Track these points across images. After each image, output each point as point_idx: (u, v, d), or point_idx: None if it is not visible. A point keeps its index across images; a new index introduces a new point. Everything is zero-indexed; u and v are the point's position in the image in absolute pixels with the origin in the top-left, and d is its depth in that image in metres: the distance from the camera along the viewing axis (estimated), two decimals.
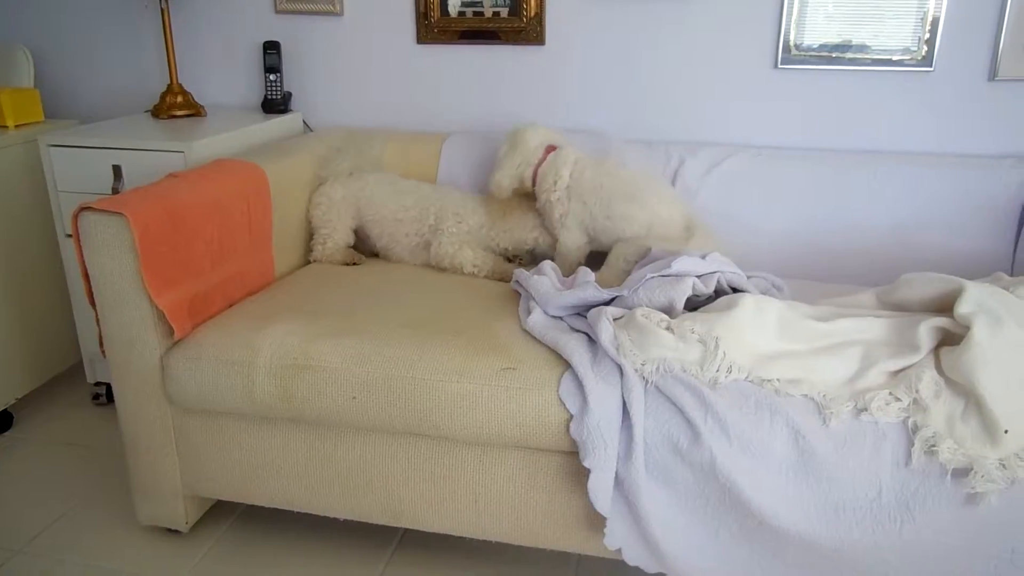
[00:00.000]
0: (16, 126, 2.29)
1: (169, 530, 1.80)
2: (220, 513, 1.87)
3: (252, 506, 1.84)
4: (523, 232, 2.03)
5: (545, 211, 1.98)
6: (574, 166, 1.95)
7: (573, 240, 1.95)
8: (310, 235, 2.10)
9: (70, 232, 1.58)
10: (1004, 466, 1.27)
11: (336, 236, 2.06)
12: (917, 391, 1.33)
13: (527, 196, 2.04)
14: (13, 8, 2.60)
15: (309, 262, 2.09)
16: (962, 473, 1.28)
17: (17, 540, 1.80)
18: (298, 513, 1.71)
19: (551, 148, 1.99)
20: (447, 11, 2.29)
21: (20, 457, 2.13)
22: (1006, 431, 1.27)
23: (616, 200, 1.89)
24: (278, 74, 2.40)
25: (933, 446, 1.29)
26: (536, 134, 2.01)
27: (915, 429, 1.31)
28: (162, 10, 2.31)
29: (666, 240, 1.82)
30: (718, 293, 1.60)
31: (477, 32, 2.29)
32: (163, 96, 2.36)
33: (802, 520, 1.33)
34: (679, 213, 1.90)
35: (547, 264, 1.80)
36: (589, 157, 1.99)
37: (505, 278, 1.92)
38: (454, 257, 1.97)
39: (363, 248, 2.13)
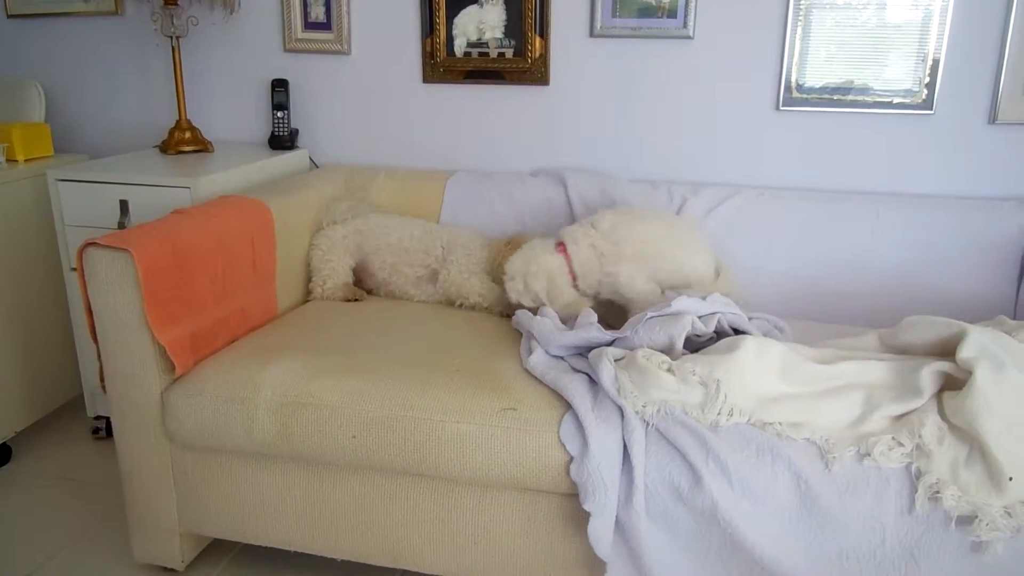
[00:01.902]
0: (26, 160, 2.31)
1: (165, 568, 1.78)
2: (217, 552, 1.85)
3: (249, 545, 1.82)
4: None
5: (604, 282, 1.85)
6: (605, 230, 1.85)
7: (649, 288, 1.82)
8: (310, 275, 2.11)
9: (75, 266, 1.58)
10: (1009, 514, 1.26)
11: (336, 276, 2.06)
12: (920, 436, 1.32)
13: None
14: (26, 44, 2.65)
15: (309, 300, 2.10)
16: (967, 521, 1.26)
17: None
18: (295, 553, 1.69)
19: (559, 243, 1.87)
20: (453, 51, 2.32)
21: (18, 491, 2.11)
22: (1011, 478, 1.26)
23: (664, 250, 1.85)
24: (286, 111, 2.43)
25: (937, 492, 1.28)
26: (543, 247, 1.87)
27: (918, 475, 1.30)
28: (172, 48, 2.35)
29: (700, 286, 1.80)
30: (720, 335, 1.59)
31: (482, 72, 2.32)
32: (171, 132, 2.39)
33: (805, 566, 1.32)
34: (712, 260, 1.90)
35: (548, 309, 1.78)
36: (606, 216, 1.90)
37: (507, 312, 1.91)
38: (462, 286, 1.97)
39: (362, 287, 2.14)
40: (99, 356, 1.64)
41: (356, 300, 2.06)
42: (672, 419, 1.40)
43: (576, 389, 1.47)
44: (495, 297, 1.96)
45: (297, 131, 2.49)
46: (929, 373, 1.39)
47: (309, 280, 2.10)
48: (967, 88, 2.03)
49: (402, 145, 2.45)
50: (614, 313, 1.88)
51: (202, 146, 2.40)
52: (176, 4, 2.31)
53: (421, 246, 2.06)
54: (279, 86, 2.42)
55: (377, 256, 2.08)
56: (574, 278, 1.85)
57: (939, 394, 1.41)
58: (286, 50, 2.45)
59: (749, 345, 1.47)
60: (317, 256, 2.08)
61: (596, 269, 1.84)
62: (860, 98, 2.09)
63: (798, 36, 2.09)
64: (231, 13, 2.43)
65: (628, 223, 1.88)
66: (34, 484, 2.14)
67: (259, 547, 1.76)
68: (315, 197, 2.15)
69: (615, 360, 1.52)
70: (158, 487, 1.67)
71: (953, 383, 1.40)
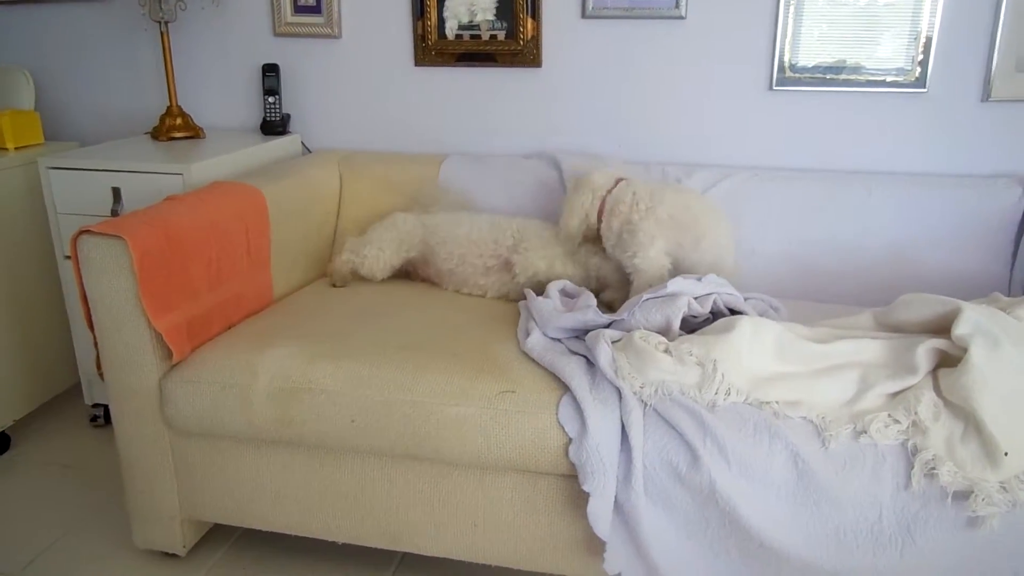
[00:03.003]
0: (16, 148, 2.29)
1: (166, 554, 1.79)
2: (218, 537, 1.86)
3: (250, 530, 1.83)
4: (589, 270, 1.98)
5: (623, 234, 1.83)
6: (654, 188, 1.86)
7: (660, 262, 1.79)
8: (322, 254, 2.10)
9: (69, 254, 1.58)
10: (1005, 489, 1.27)
11: (384, 256, 2.03)
12: (916, 413, 1.34)
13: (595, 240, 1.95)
14: (14, 31, 2.62)
15: (327, 276, 2.11)
16: (963, 496, 1.28)
17: (13, 565, 1.79)
18: (296, 537, 1.70)
19: (620, 180, 1.90)
20: (444, 34, 2.31)
21: (17, 479, 2.12)
22: (1006, 453, 1.28)
23: (702, 223, 1.82)
24: (277, 96, 2.41)
25: (933, 469, 1.29)
26: (602, 172, 1.92)
27: (915, 451, 1.31)
28: (162, 33, 2.33)
29: (722, 268, 1.79)
30: (716, 315, 1.60)
31: (474, 55, 2.30)
32: (162, 118, 2.37)
33: (802, 544, 1.33)
34: (734, 242, 1.90)
35: (553, 286, 1.79)
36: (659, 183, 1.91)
37: (599, 288, 1.91)
38: (538, 264, 1.92)
39: (418, 275, 2.11)
40: (96, 344, 1.63)
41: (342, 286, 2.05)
42: (670, 399, 1.41)
43: (574, 371, 1.47)
44: (580, 276, 1.92)
45: (289, 116, 2.47)
46: (924, 350, 1.40)
47: (305, 264, 2.09)
48: (960, 66, 2.03)
49: (394, 129, 2.44)
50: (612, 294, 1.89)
51: (193, 132, 2.39)
52: None
53: (491, 236, 2.01)
54: (270, 71, 2.40)
55: (443, 248, 2.03)
56: (601, 213, 1.87)
57: (935, 371, 1.42)
58: (276, 34, 2.43)
59: (745, 325, 1.48)
60: (380, 229, 2.06)
61: (623, 216, 1.82)
62: (853, 77, 2.09)
63: (791, 16, 2.08)
64: None
65: (670, 190, 1.87)
66: (33, 472, 2.14)
67: (260, 531, 1.77)
68: (308, 182, 2.14)
69: (612, 342, 1.53)
70: (158, 474, 1.68)
71: (948, 360, 1.41)
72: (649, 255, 1.78)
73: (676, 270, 1.81)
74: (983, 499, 1.25)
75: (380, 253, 2.02)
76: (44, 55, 2.62)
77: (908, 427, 1.33)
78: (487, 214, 2.11)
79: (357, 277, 2.06)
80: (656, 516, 1.38)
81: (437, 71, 2.36)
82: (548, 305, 1.65)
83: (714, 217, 1.87)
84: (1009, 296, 1.63)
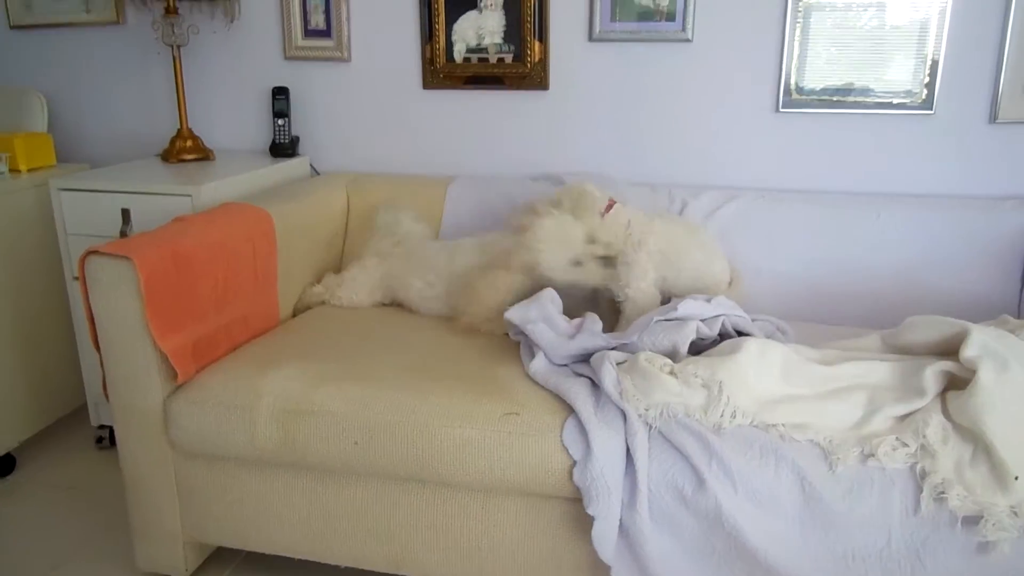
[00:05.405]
0: (28, 170, 2.32)
1: None
2: (220, 560, 1.85)
3: (252, 553, 1.82)
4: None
5: (618, 264, 1.83)
6: (643, 219, 1.86)
7: (651, 292, 1.82)
8: (318, 279, 2.11)
9: (77, 275, 1.59)
10: (1016, 513, 1.25)
11: (356, 300, 2.05)
12: (924, 436, 1.32)
13: None
14: (29, 54, 2.66)
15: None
16: (973, 521, 1.26)
17: None
18: (299, 560, 1.68)
19: (611, 202, 1.88)
20: (453, 57, 2.33)
21: (22, 501, 2.11)
22: (1016, 477, 1.26)
23: (686, 254, 1.85)
24: (286, 119, 2.43)
25: (942, 493, 1.27)
26: (596, 189, 1.88)
27: (923, 475, 1.29)
28: (173, 57, 2.36)
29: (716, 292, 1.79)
30: (723, 336, 1.59)
31: (482, 78, 2.32)
32: (173, 140, 2.40)
33: (810, 569, 1.31)
34: (727, 266, 1.90)
35: (546, 295, 1.72)
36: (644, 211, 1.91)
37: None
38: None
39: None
40: (102, 364, 1.64)
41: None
42: (675, 422, 1.40)
43: (578, 393, 1.46)
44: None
45: (298, 138, 2.49)
46: (932, 373, 1.39)
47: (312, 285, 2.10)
48: (967, 88, 2.03)
49: (403, 151, 2.45)
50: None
51: (203, 154, 2.41)
52: (177, 13, 2.32)
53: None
54: (280, 94, 2.42)
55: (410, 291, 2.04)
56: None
57: (943, 394, 1.40)
58: (286, 58, 2.45)
59: (751, 347, 1.47)
60: (351, 273, 2.08)
61: (620, 239, 1.83)
62: (861, 99, 2.09)
63: (797, 38, 2.09)
64: (231, 21, 2.44)
65: (655, 223, 1.87)
66: (38, 494, 2.14)
67: (263, 554, 1.75)
68: (316, 204, 2.15)
69: (617, 364, 1.52)
70: (161, 495, 1.67)
71: (957, 383, 1.39)
72: (642, 287, 1.81)
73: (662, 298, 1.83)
74: (993, 524, 1.23)
75: (353, 297, 2.04)
76: (58, 78, 2.65)
77: (916, 450, 1.32)
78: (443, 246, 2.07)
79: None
80: (661, 540, 1.37)
81: (445, 94, 2.38)
82: (548, 333, 1.62)
83: (698, 241, 1.88)
84: (1018, 318, 1.61)
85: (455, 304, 1.94)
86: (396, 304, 2.07)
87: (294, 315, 2.05)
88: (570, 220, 1.81)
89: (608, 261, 1.84)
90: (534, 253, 1.78)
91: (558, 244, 1.77)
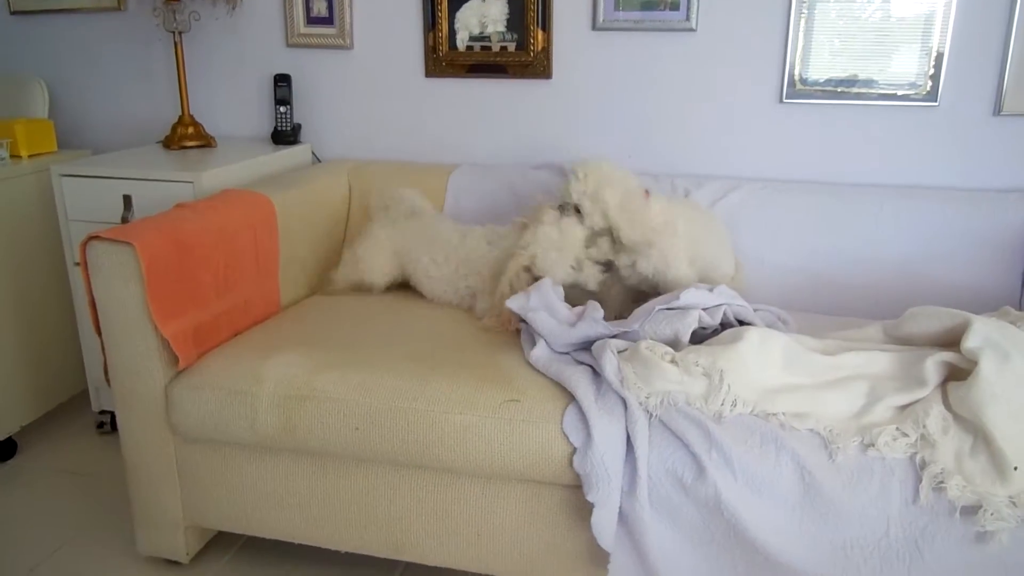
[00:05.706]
0: (30, 156, 2.32)
1: (170, 561, 1.78)
2: (221, 544, 1.85)
3: (253, 538, 1.82)
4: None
5: (654, 252, 1.77)
6: (669, 204, 1.83)
7: (688, 276, 1.77)
8: (330, 263, 2.11)
9: (79, 261, 1.59)
10: (1014, 504, 1.25)
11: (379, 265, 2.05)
12: (924, 426, 1.32)
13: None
14: (29, 40, 2.65)
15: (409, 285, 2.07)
16: (971, 511, 1.26)
17: (18, 570, 1.79)
18: (300, 545, 1.69)
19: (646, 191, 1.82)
20: (455, 45, 2.32)
21: (23, 485, 2.12)
22: (1015, 468, 1.26)
23: (704, 242, 1.83)
24: (288, 106, 2.43)
25: (941, 483, 1.28)
26: (626, 173, 1.83)
27: (923, 465, 1.30)
28: (175, 43, 2.36)
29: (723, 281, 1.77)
30: (724, 326, 1.59)
31: (485, 66, 2.31)
32: (174, 127, 2.39)
33: (809, 558, 1.31)
34: (733, 256, 1.90)
35: (547, 283, 1.71)
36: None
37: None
38: None
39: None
40: (103, 350, 1.64)
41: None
42: (675, 410, 1.40)
43: (579, 381, 1.46)
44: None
45: (300, 126, 2.49)
46: (933, 363, 1.39)
47: (314, 273, 2.10)
48: (972, 80, 2.02)
49: (405, 139, 2.45)
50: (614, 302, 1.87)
51: (205, 141, 2.41)
52: None
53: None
54: (282, 81, 2.42)
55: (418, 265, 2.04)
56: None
57: (944, 384, 1.40)
58: (288, 45, 2.45)
59: (752, 336, 1.47)
60: (363, 247, 2.07)
61: (659, 223, 1.77)
62: (864, 90, 2.08)
63: (801, 29, 2.08)
64: (233, 8, 2.43)
65: (678, 204, 1.84)
66: (39, 478, 2.15)
67: (264, 539, 1.76)
68: (317, 191, 2.15)
69: (619, 352, 1.52)
70: (162, 480, 1.68)
71: (957, 373, 1.40)
72: (683, 270, 1.76)
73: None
74: (992, 514, 1.24)
75: (372, 275, 2.03)
76: (59, 64, 2.65)
77: (916, 440, 1.32)
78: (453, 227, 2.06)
79: (360, 289, 2.06)
80: (661, 528, 1.37)
81: (448, 82, 2.37)
82: (549, 322, 1.62)
83: (712, 228, 1.87)
84: (1020, 310, 1.61)
85: (459, 289, 1.95)
86: (404, 280, 2.07)
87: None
88: (571, 224, 1.78)
89: (608, 265, 1.83)
90: (534, 260, 1.77)
91: (557, 252, 1.76)
